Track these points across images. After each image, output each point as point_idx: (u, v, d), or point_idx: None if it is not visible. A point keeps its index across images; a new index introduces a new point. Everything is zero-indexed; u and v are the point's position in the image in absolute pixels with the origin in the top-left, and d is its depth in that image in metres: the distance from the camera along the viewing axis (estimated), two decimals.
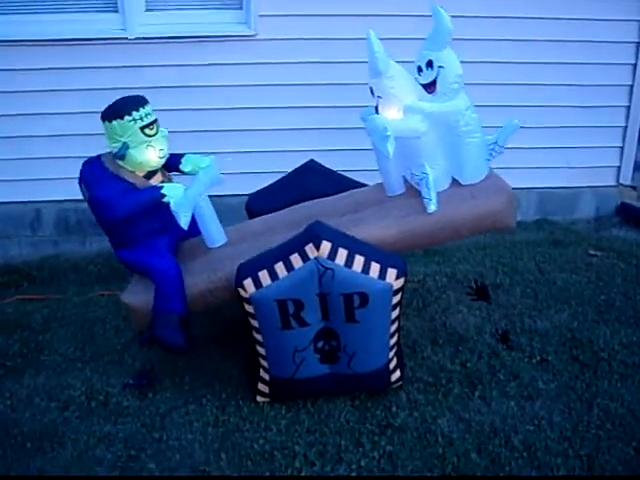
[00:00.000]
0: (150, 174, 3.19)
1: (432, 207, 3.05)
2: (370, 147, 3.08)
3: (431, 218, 3.06)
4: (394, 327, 2.97)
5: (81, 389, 3.17)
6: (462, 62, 2.96)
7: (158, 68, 4.56)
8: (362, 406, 3.03)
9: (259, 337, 2.93)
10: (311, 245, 2.75)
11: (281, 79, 4.73)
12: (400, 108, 3.01)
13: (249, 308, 2.85)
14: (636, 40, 5.00)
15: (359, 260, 2.82)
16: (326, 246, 2.76)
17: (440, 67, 2.94)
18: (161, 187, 3.09)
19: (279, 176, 3.77)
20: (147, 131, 3.08)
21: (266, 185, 3.77)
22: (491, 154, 3.17)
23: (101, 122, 3.10)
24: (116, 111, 3.06)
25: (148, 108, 3.11)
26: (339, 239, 2.85)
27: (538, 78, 4.95)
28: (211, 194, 3.30)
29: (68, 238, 4.79)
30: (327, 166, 3.81)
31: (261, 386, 3.03)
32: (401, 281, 2.86)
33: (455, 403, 3.06)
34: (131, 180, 3.12)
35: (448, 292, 4.07)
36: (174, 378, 3.23)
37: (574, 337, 3.55)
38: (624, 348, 3.45)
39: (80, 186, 3.15)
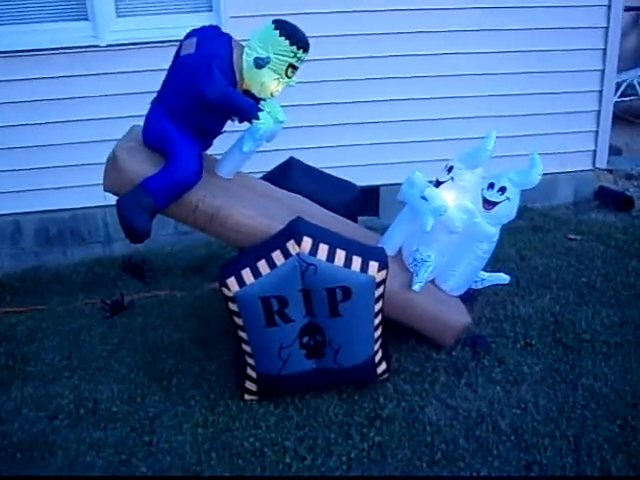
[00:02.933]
0: (245, 94, 3.08)
1: (416, 287, 3.24)
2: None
3: (402, 293, 3.23)
4: (378, 319, 2.99)
5: (69, 397, 3.15)
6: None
7: (132, 74, 4.53)
8: (350, 399, 3.05)
9: (244, 335, 2.94)
10: (292, 242, 2.77)
11: None
12: (456, 200, 3.25)
13: (233, 307, 2.86)
14: (604, 25, 5.07)
15: (340, 254, 2.84)
16: (307, 242, 2.78)
17: (507, 198, 3.30)
18: (261, 110, 2.98)
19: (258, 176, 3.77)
20: (289, 71, 3.02)
21: None
22: (472, 284, 3.55)
23: (271, 25, 3.00)
24: (293, 35, 2.98)
25: (305, 56, 3.04)
26: (320, 235, 2.87)
27: (510, 67, 4.99)
28: None
29: (49, 249, 4.76)
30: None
31: (249, 384, 3.04)
32: (383, 273, 2.89)
33: (442, 391, 3.09)
34: (237, 81, 3.01)
35: None
36: (162, 381, 3.23)
37: (557, 320, 3.60)
38: (606, 328, 3.50)
39: (185, 39, 3.03)
